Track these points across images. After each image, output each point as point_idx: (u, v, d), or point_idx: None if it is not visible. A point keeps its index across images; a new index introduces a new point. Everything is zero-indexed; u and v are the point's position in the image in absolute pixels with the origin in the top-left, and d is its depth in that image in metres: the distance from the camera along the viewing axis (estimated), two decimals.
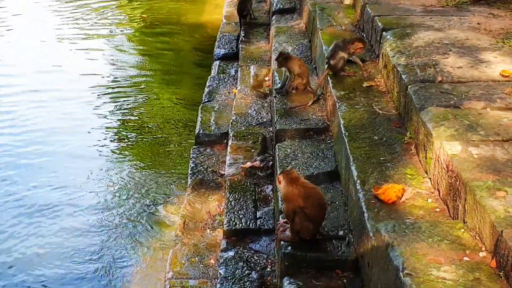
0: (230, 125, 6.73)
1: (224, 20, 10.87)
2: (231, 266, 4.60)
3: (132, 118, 8.51)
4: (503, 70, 4.99)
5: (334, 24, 7.36)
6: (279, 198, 4.56)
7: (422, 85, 4.83)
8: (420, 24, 6.18)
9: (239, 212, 5.20)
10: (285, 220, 4.26)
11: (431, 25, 6.15)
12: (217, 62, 9.11)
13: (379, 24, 6.23)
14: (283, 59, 6.37)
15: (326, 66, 6.04)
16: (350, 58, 6.03)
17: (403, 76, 5.03)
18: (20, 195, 6.63)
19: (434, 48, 5.52)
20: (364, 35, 6.85)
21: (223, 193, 5.65)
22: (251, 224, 5.08)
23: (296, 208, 4.01)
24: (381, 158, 4.47)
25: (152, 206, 6.35)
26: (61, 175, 7.02)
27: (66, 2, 14.15)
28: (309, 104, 6.21)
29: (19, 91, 9.32)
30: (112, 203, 6.46)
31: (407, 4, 6.88)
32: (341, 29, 7.21)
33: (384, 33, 6.01)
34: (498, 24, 6.20)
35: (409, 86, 4.85)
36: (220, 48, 9.48)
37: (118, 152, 7.68)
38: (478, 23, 6.21)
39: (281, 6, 9.63)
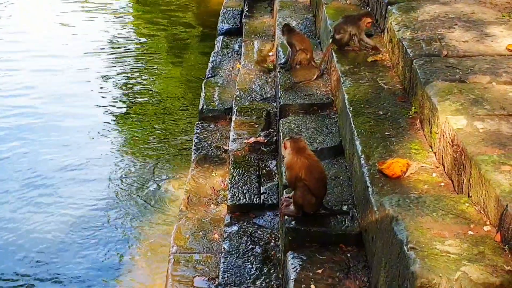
0: (234, 101, 6.71)
1: None
2: (235, 241, 4.62)
3: (136, 93, 8.50)
4: (509, 45, 4.93)
5: None
6: (283, 173, 4.55)
7: (427, 59, 4.79)
8: None
9: (243, 187, 5.21)
10: (288, 195, 4.25)
11: None
12: (221, 37, 9.06)
13: None
14: (286, 30, 6.35)
15: (330, 40, 5.99)
16: (359, 36, 5.86)
17: (408, 51, 4.98)
18: (23, 170, 6.66)
19: (439, 22, 5.46)
20: (369, 9, 6.78)
21: (227, 169, 5.65)
22: (255, 199, 5.09)
23: (297, 177, 3.99)
24: (386, 133, 4.45)
25: (156, 181, 6.37)
26: (64, 149, 7.04)
27: None
28: (313, 79, 6.18)
29: (25, 57, 9.36)
30: (116, 178, 6.48)
31: None
32: (346, 3, 7.13)
33: (389, 7, 5.94)
34: None
35: (414, 61, 4.80)
36: (224, 23, 9.42)
37: (121, 127, 7.70)
38: None
39: None
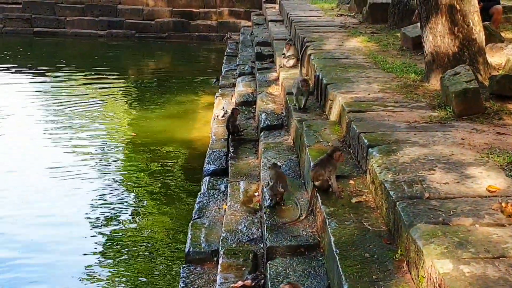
0: (220, 242, 6.69)
1: (213, 137, 11.06)
2: None
3: (120, 236, 8.44)
4: (489, 186, 5.06)
5: (321, 140, 7.50)
6: None
7: (410, 201, 4.88)
8: (405, 140, 6.32)
9: None
10: None
11: (416, 141, 6.29)
12: (207, 178, 9.17)
13: (365, 140, 6.37)
14: (273, 167, 6.73)
15: (312, 186, 6.12)
16: (329, 175, 5.97)
17: (391, 193, 5.09)
18: None
19: (420, 164, 5.62)
20: (351, 151, 6.98)
21: None
22: None
23: None
24: (374, 277, 4.43)
25: None
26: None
27: (55, 115, 14.41)
28: (302, 219, 6.23)
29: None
30: None
31: (391, 121, 7.06)
32: (328, 145, 7.32)
33: (370, 149, 6.13)
34: (481, 139, 6.34)
35: (398, 203, 4.89)
36: (210, 164, 9.58)
37: (105, 271, 7.57)
38: (462, 139, 6.36)
39: (269, 123, 9.85)
